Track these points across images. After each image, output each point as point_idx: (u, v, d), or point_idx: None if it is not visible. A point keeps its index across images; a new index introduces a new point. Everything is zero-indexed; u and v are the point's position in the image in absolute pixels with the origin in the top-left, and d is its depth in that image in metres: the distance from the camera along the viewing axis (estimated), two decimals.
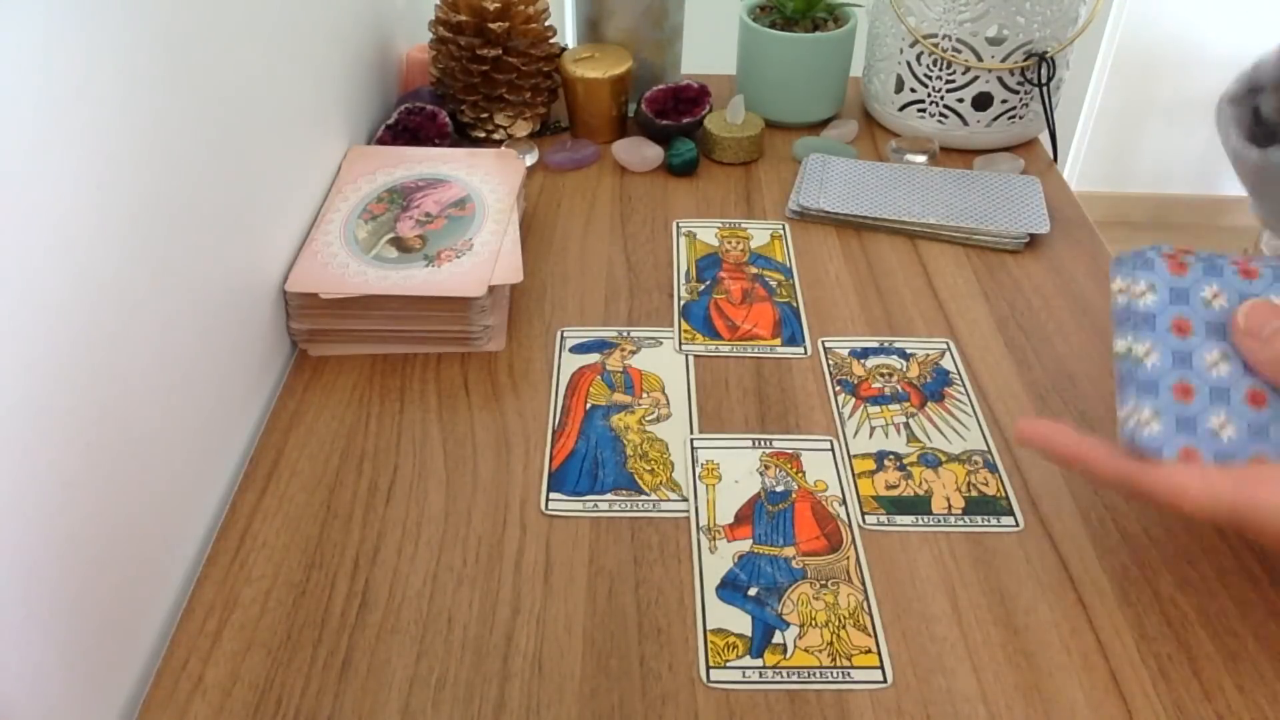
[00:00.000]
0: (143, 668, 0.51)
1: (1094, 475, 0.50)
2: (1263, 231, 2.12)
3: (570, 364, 0.69)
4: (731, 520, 0.58)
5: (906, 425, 0.65)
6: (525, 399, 0.66)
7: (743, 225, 0.84)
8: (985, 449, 0.63)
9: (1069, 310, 0.75)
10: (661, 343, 0.71)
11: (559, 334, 0.72)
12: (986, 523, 0.58)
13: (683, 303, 0.75)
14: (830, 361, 0.70)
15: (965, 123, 0.92)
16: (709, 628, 0.52)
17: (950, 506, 0.59)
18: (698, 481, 0.61)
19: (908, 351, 0.71)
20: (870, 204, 0.84)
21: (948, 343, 0.72)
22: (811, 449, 0.63)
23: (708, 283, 0.77)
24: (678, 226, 0.84)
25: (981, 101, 0.91)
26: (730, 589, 0.54)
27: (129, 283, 0.49)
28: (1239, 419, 0.49)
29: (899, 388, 0.68)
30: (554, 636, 0.52)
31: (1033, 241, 0.82)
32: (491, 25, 0.87)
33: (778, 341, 0.71)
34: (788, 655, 0.51)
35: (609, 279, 0.77)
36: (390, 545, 0.57)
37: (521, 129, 0.93)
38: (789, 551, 0.57)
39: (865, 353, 0.71)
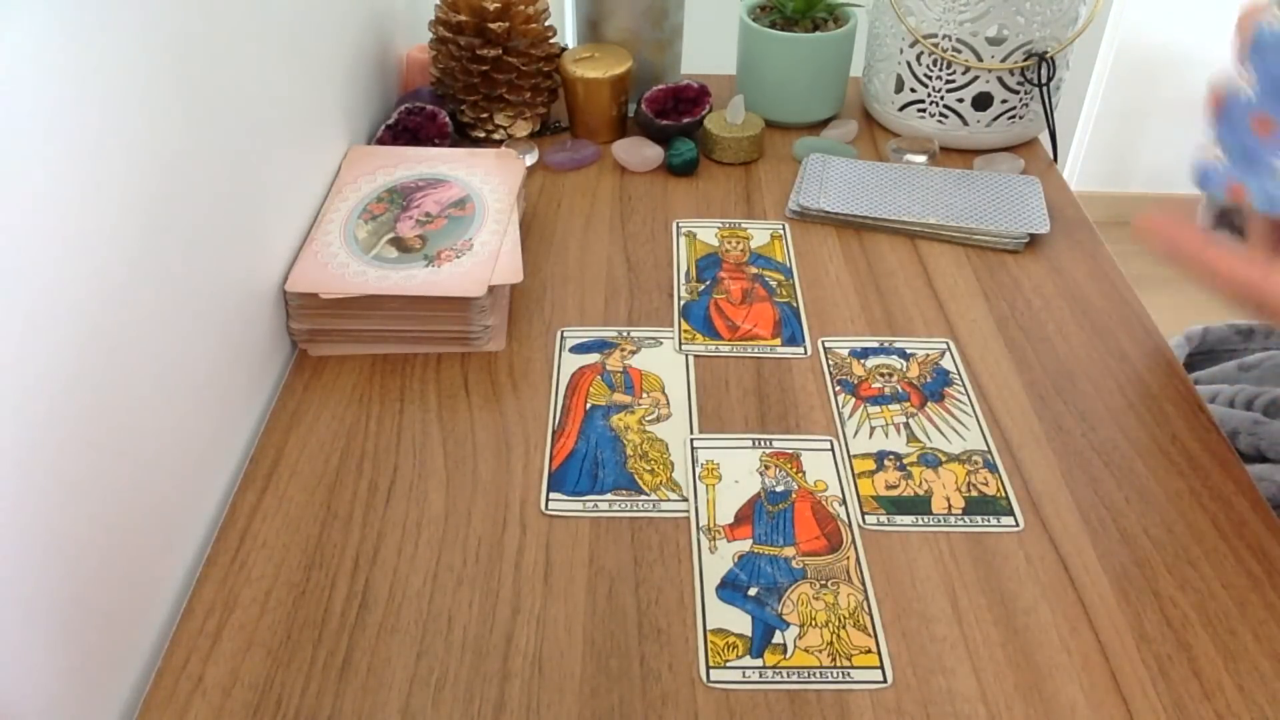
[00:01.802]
0: (143, 668, 0.52)
1: (1214, 278, 0.48)
2: None
3: (570, 364, 0.69)
4: (731, 520, 0.58)
5: (906, 425, 0.65)
6: (525, 399, 0.66)
7: (743, 225, 0.84)
8: (985, 449, 0.63)
9: (1069, 310, 0.75)
10: (661, 343, 0.71)
11: (559, 334, 0.72)
12: (986, 523, 0.58)
13: (683, 303, 0.75)
14: (830, 361, 0.70)
15: (965, 123, 0.92)
16: (709, 628, 0.52)
17: (950, 506, 0.59)
18: (698, 481, 0.61)
19: (908, 351, 0.71)
20: (870, 204, 0.84)
21: (948, 343, 0.72)
22: (811, 449, 0.63)
23: (708, 283, 0.77)
24: (678, 226, 0.84)
25: (981, 101, 0.91)
26: (730, 589, 0.54)
27: (129, 283, 0.49)
28: None
29: (899, 388, 0.68)
30: (554, 636, 0.52)
31: (1033, 241, 0.82)
32: (491, 25, 0.87)
33: (778, 341, 0.71)
34: (788, 655, 0.51)
35: (609, 279, 0.77)
36: (390, 545, 0.57)
37: (521, 129, 0.93)
38: (789, 551, 0.57)
39: (865, 353, 0.71)
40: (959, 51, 0.90)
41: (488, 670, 0.50)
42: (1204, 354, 0.84)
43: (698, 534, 0.57)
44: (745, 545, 0.57)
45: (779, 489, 0.60)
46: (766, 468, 0.62)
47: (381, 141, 0.86)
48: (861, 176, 0.88)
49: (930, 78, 0.92)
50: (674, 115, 0.92)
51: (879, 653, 0.51)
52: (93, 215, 0.46)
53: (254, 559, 0.56)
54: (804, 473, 0.61)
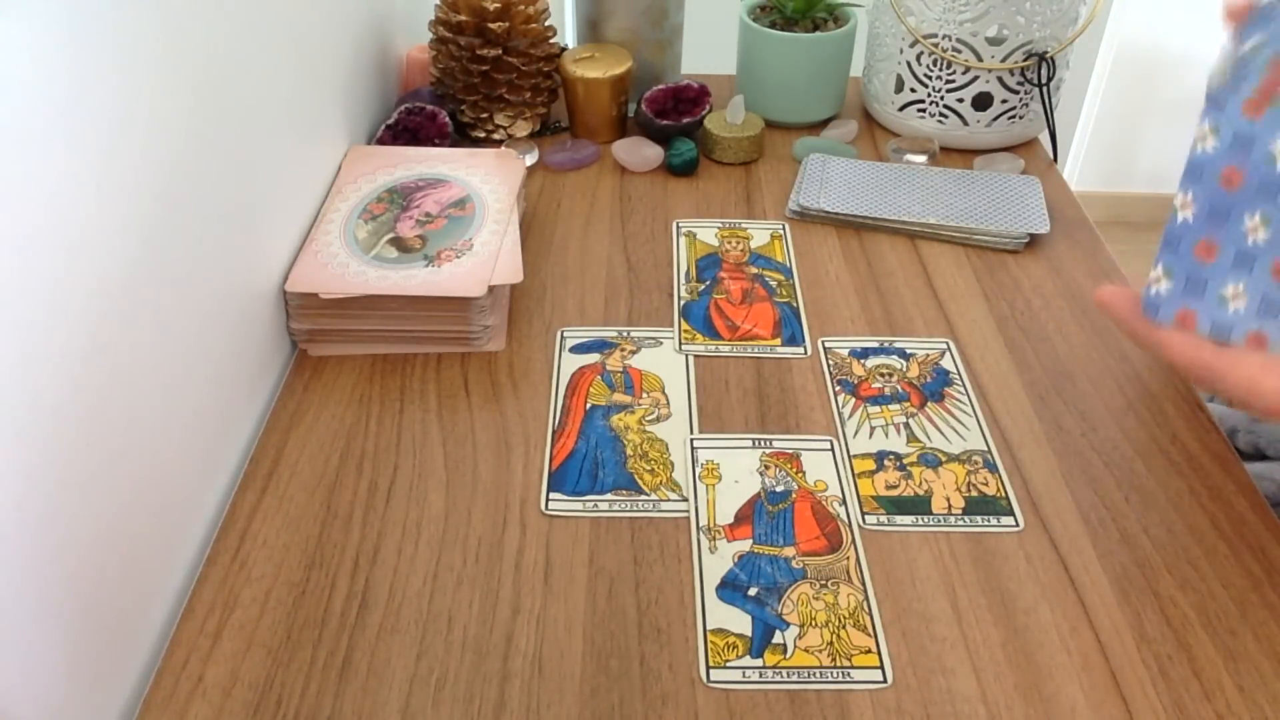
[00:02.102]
0: (143, 668, 0.52)
1: (1168, 360, 0.49)
2: None
3: (570, 364, 0.69)
4: (731, 520, 0.58)
5: (906, 425, 0.65)
6: (525, 399, 0.66)
7: (743, 225, 0.84)
8: (985, 449, 0.63)
9: (1069, 310, 0.75)
10: (661, 343, 0.71)
11: (559, 334, 0.72)
12: (986, 523, 0.58)
13: (683, 303, 0.75)
14: (830, 361, 0.70)
15: (965, 123, 0.92)
16: (709, 628, 0.52)
17: (950, 506, 0.59)
18: (698, 481, 0.61)
19: (908, 351, 0.71)
20: (870, 204, 0.84)
21: (948, 343, 0.72)
22: (811, 449, 0.63)
23: (708, 283, 0.77)
24: (678, 226, 0.84)
25: (981, 101, 0.91)
26: (730, 589, 0.54)
27: (129, 283, 0.49)
28: (1255, 291, 0.46)
29: (899, 388, 0.68)
30: (554, 636, 0.52)
31: (1033, 241, 0.82)
32: (491, 25, 0.87)
33: (778, 341, 0.71)
34: (788, 655, 0.51)
35: (609, 279, 0.77)
36: (390, 545, 0.57)
37: (521, 129, 0.93)
38: (789, 551, 0.57)
39: (865, 353, 0.71)
40: (959, 51, 0.90)
41: (488, 670, 0.50)
42: None
43: (698, 534, 0.57)
44: (745, 545, 0.57)
45: (779, 489, 0.60)
46: (766, 468, 0.62)
47: (381, 141, 0.86)
48: (861, 176, 0.88)
49: (930, 78, 0.92)
50: (674, 115, 0.92)
51: (879, 653, 0.51)
52: (94, 216, 0.46)
53: (254, 559, 0.56)
54: (804, 473, 0.61)
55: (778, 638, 0.52)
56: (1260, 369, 0.46)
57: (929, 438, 0.64)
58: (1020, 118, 0.93)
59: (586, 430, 0.64)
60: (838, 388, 0.68)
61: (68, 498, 0.44)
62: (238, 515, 0.58)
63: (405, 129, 0.87)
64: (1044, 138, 0.97)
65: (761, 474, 0.61)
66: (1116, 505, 0.59)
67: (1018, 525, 0.58)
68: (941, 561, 0.56)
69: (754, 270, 0.79)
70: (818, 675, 0.50)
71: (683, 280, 0.77)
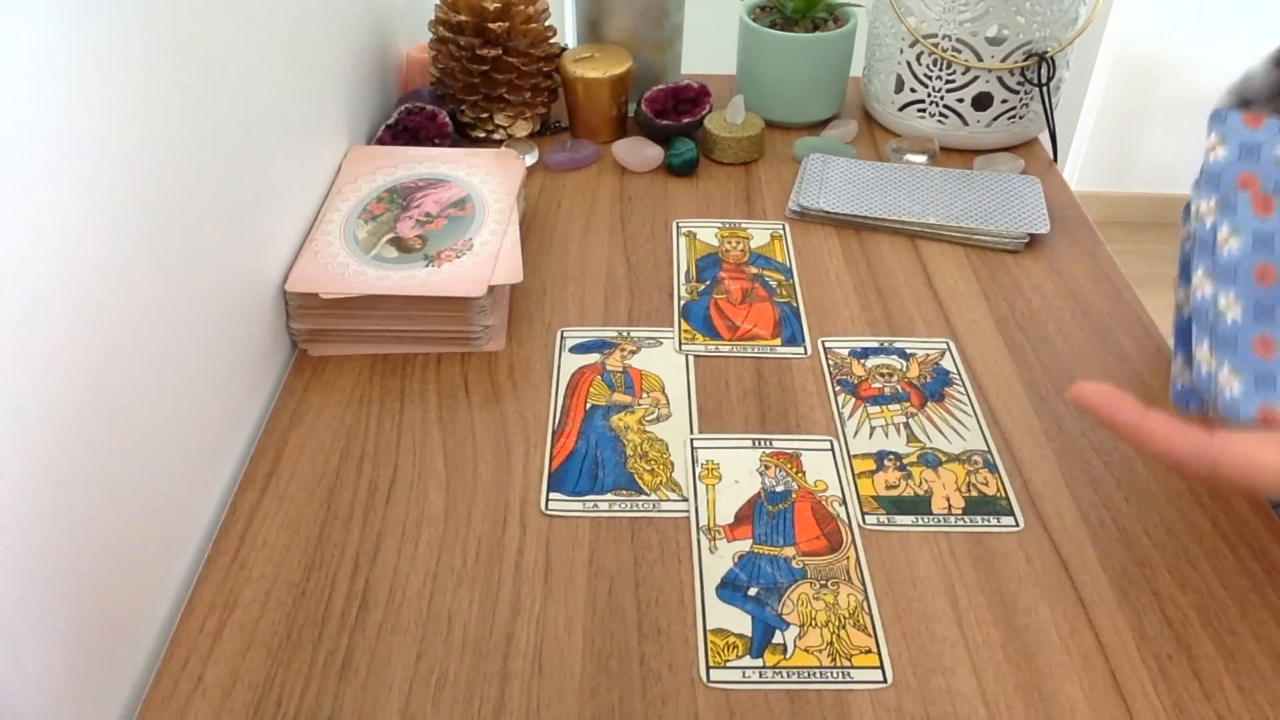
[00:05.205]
0: (143, 668, 0.52)
1: (1158, 454, 0.46)
2: None
3: (570, 364, 0.69)
4: (731, 520, 0.58)
5: (906, 425, 0.65)
6: (525, 399, 0.66)
7: (743, 225, 0.84)
8: (985, 449, 0.63)
9: (1069, 310, 0.75)
10: (661, 343, 0.71)
11: (559, 334, 0.72)
12: (986, 523, 0.58)
13: (683, 303, 0.75)
14: (830, 361, 0.70)
15: (965, 123, 0.92)
16: (709, 628, 0.52)
17: (950, 506, 0.59)
18: (698, 481, 0.61)
19: (908, 351, 0.71)
20: (870, 204, 0.84)
21: (948, 343, 0.72)
22: (811, 449, 0.63)
23: (708, 283, 0.77)
24: (678, 226, 0.84)
25: (981, 101, 0.91)
26: (730, 589, 0.54)
27: (129, 283, 0.49)
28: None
29: (899, 388, 0.68)
30: (554, 636, 0.52)
31: (1033, 241, 0.82)
32: (491, 25, 0.87)
33: (778, 341, 0.71)
34: (788, 655, 0.51)
35: (609, 279, 0.77)
36: (390, 545, 0.57)
37: (521, 129, 0.93)
38: (789, 551, 0.57)
39: (865, 353, 0.71)
40: (959, 51, 0.90)
41: (488, 670, 0.50)
42: None
43: (698, 534, 0.57)
44: (745, 545, 0.57)
45: (779, 489, 0.60)
46: (766, 468, 0.62)
47: (381, 141, 0.86)
48: (861, 176, 0.88)
49: (930, 78, 0.92)
50: (674, 115, 0.92)
51: (879, 653, 0.51)
52: (93, 216, 0.46)
53: (254, 559, 0.56)
54: (804, 473, 0.61)
55: (778, 638, 0.52)
56: (1256, 444, 0.43)
57: (929, 438, 0.64)
58: (1020, 118, 0.93)
59: (586, 430, 0.64)
60: (838, 388, 0.68)
61: (67, 498, 0.44)
62: (238, 515, 0.58)
63: (405, 129, 0.87)
64: (1044, 138, 0.97)
65: (761, 474, 0.61)
66: (1116, 505, 0.59)
67: (1018, 525, 0.58)
68: (941, 561, 0.56)
69: (754, 270, 0.79)
70: (818, 675, 0.50)
71: (683, 280, 0.77)
